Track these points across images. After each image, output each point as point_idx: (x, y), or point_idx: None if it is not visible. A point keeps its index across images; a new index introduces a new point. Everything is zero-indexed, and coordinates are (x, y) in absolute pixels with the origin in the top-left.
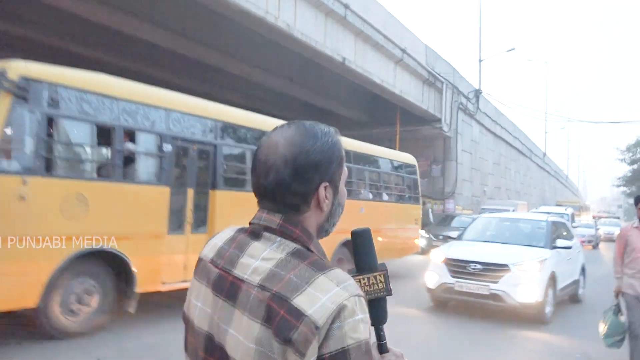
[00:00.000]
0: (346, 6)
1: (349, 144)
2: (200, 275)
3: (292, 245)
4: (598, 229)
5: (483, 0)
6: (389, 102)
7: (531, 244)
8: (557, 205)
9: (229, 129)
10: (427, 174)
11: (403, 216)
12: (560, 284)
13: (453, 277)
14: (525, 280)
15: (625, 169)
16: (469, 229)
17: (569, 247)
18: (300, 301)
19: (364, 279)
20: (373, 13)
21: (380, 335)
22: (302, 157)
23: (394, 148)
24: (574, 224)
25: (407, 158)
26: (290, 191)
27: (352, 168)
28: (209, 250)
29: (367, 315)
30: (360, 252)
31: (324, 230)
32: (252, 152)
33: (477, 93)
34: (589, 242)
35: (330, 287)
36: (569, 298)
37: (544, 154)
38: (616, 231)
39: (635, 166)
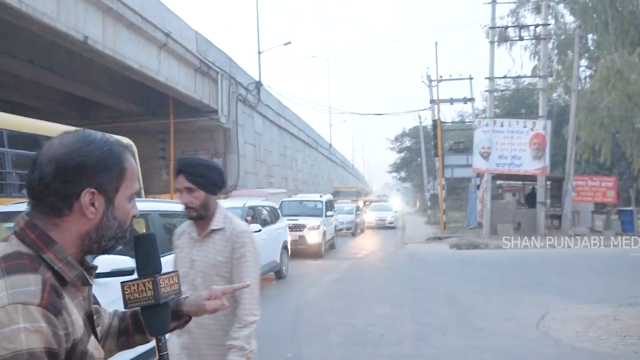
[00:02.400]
0: None
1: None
2: None
3: (13, 249)
4: (359, 214)
5: None
6: (162, 92)
7: None
8: (334, 191)
9: None
10: None
11: None
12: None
13: None
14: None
15: (395, 157)
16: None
17: (259, 230)
18: None
19: (133, 286)
20: None
21: (159, 347)
22: (67, 157)
23: (169, 141)
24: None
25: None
26: (50, 190)
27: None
28: None
29: (39, 324)
30: (140, 258)
31: (94, 242)
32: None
33: (258, 85)
34: (348, 229)
35: None
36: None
37: (330, 145)
38: (388, 216)
39: (402, 154)
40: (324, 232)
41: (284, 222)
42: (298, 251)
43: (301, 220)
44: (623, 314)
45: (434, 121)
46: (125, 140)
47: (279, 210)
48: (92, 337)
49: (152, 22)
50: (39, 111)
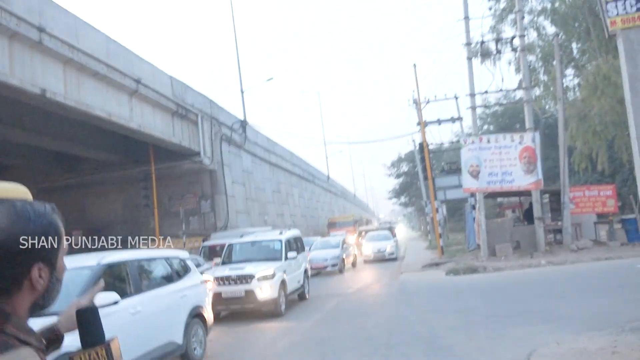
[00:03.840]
0: (41, 29)
1: None
2: None
3: None
4: (347, 248)
5: (240, 36)
6: (141, 139)
7: None
8: (329, 222)
9: None
10: (196, 211)
11: None
12: None
13: None
14: None
15: (394, 183)
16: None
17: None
18: None
19: (83, 355)
20: (87, 39)
21: None
22: (8, 242)
23: (151, 188)
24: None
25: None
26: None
27: None
28: None
29: None
30: (84, 329)
31: (38, 306)
32: None
33: (243, 124)
34: (333, 266)
35: None
36: None
37: (328, 177)
38: (388, 247)
39: (401, 179)
40: (283, 282)
41: (306, 252)
42: (244, 313)
43: (248, 269)
44: (623, 344)
45: (420, 144)
46: (21, 188)
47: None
48: None
49: (119, 70)
50: (25, 170)
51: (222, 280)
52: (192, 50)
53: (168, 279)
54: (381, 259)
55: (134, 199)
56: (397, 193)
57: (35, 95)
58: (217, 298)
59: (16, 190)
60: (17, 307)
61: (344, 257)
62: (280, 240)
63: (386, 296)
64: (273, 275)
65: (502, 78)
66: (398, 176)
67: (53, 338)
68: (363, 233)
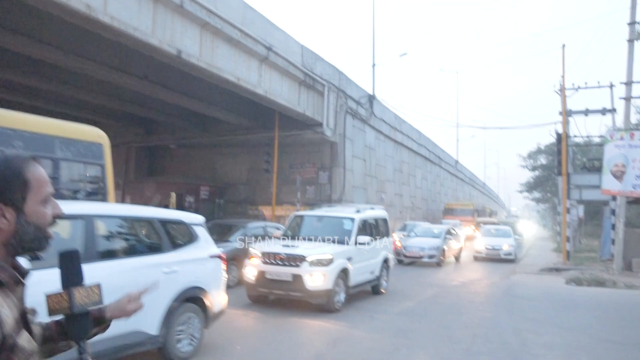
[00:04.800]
0: None
1: None
2: None
3: None
4: (448, 239)
5: (377, 8)
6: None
7: None
8: (445, 208)
9: None
10: (314, 181)
11: None
12: None
13: None
14: None
15: (528, 175)
16: None
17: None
18: None
19: (53, 297)
20: (225, 5)
21: (79, 351)
22: None
23: (273, 153)
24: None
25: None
26: None
27: None
28: None
29: None
30: (63, 272)
31: (17, 247)
32: None
33: (371, 98)
34: (430, 257)
35: None
36: None
37: (456, 162)
38: (505, 245)
39: (536, 172)
40: (345, 270)
41: (389, 239)
42: (293, 301)
43: (300, 249)
44: None
45: (558, 135)
46: (96, 132)
47: (388, 225)
48: (24, 332)
49: (252, 36)
50: (166, 125)
51: (269, 257)
52: (324, 19)
53: (152, 248)
54: (494, 257)
55: (258, 163)
56: (531, 187)
57: (172, 55)
58: (261, 277)
59: (89, 134)
60: None
61: (445, 248)
62: (352, 220)
63: (486, 296)
64: (330, 262)
65: None
66: (534, 169)
67: (99, 318)
68: (481, 225)
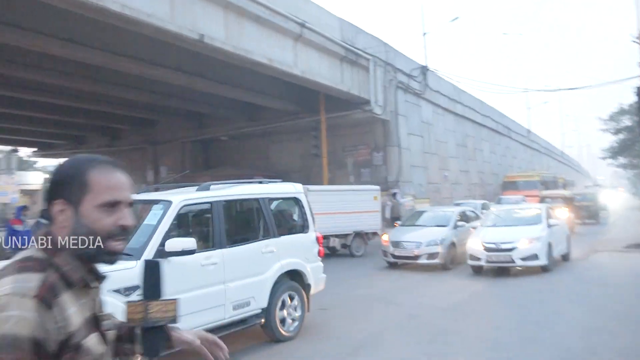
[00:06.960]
0: None
1: None
2: None
3: (28, 253)
4: (460, 228)
5: None
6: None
7: None
8: (504, 182)
9: None
10: (369, 163)
11: None
12: None
13: None
14: None
15: (611, 140)
16: None
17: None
18: None
19: (131, 306)
20: None
21: None
22: (51, 175)
23: (321, 137)
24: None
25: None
26: (44, 201)
27: None
28: None
29: (29, 314)
30: (145, 282)
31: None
32: None
33: (423, 70)
34: (430, 257)
35: (5, 283)
36: None
37: (528, 131)
38: (523, 241)
39: (620, 135)
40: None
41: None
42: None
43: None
44: None
45: (639, 90)
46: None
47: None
48: (95, 334)
49: (282, 13)
50: (216, 118)
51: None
52: None
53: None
54: (503, 264)
55: (309, 148)
56: (615, 153)
57: (194, 41)
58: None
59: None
60: (56, 236)
61: (455, 241)
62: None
63: (552, 284)
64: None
65: None
66: (617, 132)
67: (165, 338)
68: (546, 200)
